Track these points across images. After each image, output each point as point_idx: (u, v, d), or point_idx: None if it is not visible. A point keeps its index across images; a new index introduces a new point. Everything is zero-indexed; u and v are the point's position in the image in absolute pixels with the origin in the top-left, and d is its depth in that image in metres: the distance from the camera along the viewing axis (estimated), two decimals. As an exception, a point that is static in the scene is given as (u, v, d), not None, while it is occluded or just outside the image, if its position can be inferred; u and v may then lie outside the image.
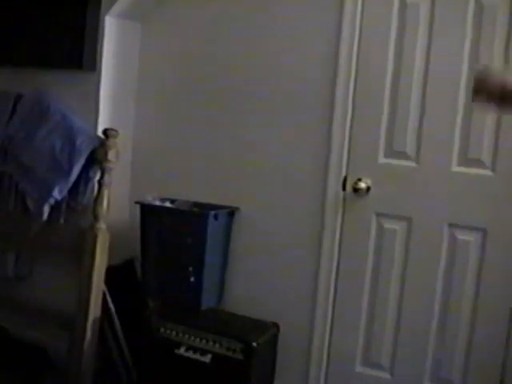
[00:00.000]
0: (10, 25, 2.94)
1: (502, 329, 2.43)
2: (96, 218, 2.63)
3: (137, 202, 2.81)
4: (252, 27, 2.78)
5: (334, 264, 2.69)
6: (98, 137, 2.71)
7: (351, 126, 2.62)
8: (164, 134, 3.00)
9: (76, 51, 2.79)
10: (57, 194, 2.72)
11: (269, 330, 2.67)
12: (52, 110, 2.82)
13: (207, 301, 2.74)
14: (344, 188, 2.65)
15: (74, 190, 2.74)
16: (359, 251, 2.65)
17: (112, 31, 2.86)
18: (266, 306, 2.78)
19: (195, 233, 2.67)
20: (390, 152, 2.58)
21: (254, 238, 2.82)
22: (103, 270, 2.65)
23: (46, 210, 2.75)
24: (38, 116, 2.82)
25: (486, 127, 2.41)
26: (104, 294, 2.68)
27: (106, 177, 2.65)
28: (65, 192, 2.73)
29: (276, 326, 2.71)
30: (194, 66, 2.93)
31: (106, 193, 2.64)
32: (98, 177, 2.68)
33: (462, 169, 2.47)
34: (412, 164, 2.55)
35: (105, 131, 2.65)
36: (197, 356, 2.55)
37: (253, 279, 2.84)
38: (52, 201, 2.74)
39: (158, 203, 2.81)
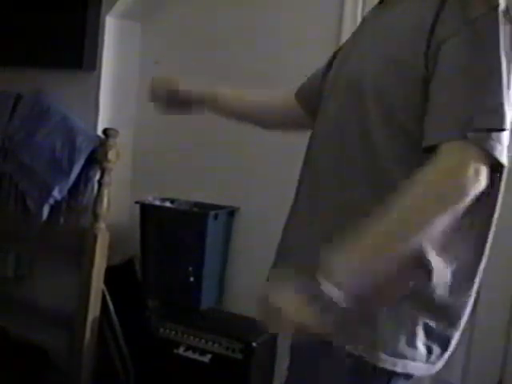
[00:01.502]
0: (10, 25, 2.94)
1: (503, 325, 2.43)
2: (96, 218, 2.63)
3: (137, 202, 2.80)
4: (252, 27, 2.77)
5: (334, 264, 2.68)
6: (98, 137, 2.71)
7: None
8: (164, 134, 3.00)
9: (76, 51, 2.79)
10: (57, 193, 2.72)
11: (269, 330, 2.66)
12: (52, 110, 2.82)
13: (207, 301, 2.74)
14: (344, 188, 2.64)
15: (73, 190, 2.74)
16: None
17: (112, 31, 2.86)
18: (265, 306, 2.77)
19: (195, 233, 2.67)
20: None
21: (254, 238, 2.81)
22: (103, 270, 2.65)
23: (46, 210, 2.76)
24: (38, 116, 2.83)
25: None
26: (103, 294, 2.68)
27: (106, 177, 2.65)
28: (65, 192, 2.73)
29: (276, 326, 2.71)
30: (195, 66, 2.93)
31: (106, 193, 2.64)
32: (97, 177, 2.68)
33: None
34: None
35: (105, 131, 2.65)
36: (196, 356, 2.54)
37: (253, 279, 2.83)
38: (52, 201, 2.74)
39: (158, 203, 2.81)
